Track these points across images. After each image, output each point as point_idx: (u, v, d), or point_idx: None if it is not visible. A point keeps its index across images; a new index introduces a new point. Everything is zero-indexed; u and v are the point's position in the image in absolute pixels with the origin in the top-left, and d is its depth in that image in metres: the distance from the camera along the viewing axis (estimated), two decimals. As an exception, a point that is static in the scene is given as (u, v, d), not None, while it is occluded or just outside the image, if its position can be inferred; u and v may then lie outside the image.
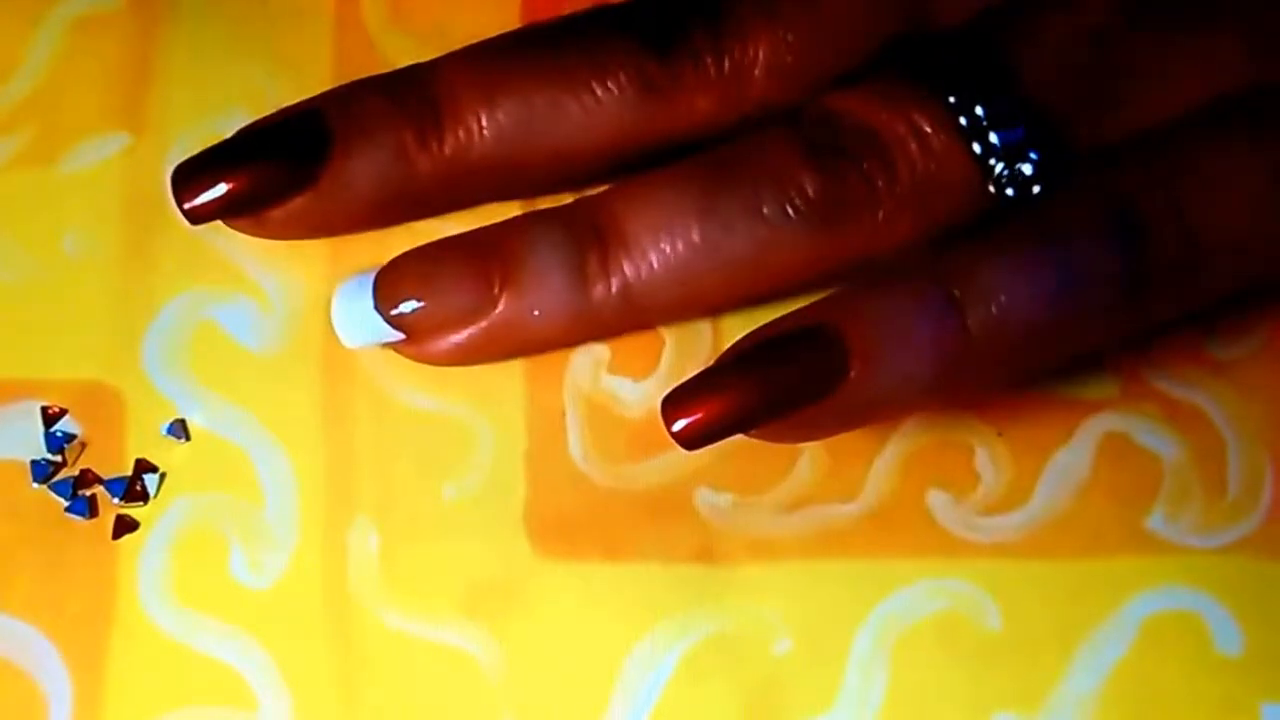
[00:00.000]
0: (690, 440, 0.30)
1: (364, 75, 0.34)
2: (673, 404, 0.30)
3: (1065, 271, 0.30)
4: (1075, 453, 0.34)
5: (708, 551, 0.33)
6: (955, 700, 0.32)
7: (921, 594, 0.33)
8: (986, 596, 0.33)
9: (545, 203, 0.34)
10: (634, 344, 0.34)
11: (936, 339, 0.30)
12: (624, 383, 0.34)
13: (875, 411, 0.31)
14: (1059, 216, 0.31)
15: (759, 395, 0.30)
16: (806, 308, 0.30)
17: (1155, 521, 0.33)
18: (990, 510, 0.33)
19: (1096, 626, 0.32)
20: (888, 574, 0.33)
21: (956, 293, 0.30)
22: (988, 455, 0.34)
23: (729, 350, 0.31)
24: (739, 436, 0.33)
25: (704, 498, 0.33)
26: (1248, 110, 0.32)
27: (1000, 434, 0.34)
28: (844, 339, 0.30)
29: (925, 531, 0.33)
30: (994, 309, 0.30)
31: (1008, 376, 0.32)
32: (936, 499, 0.33)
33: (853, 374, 0.29)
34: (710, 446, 0.32)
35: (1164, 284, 0.31)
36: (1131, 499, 0.33)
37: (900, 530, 0.33)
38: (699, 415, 0.30)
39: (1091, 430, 0.34)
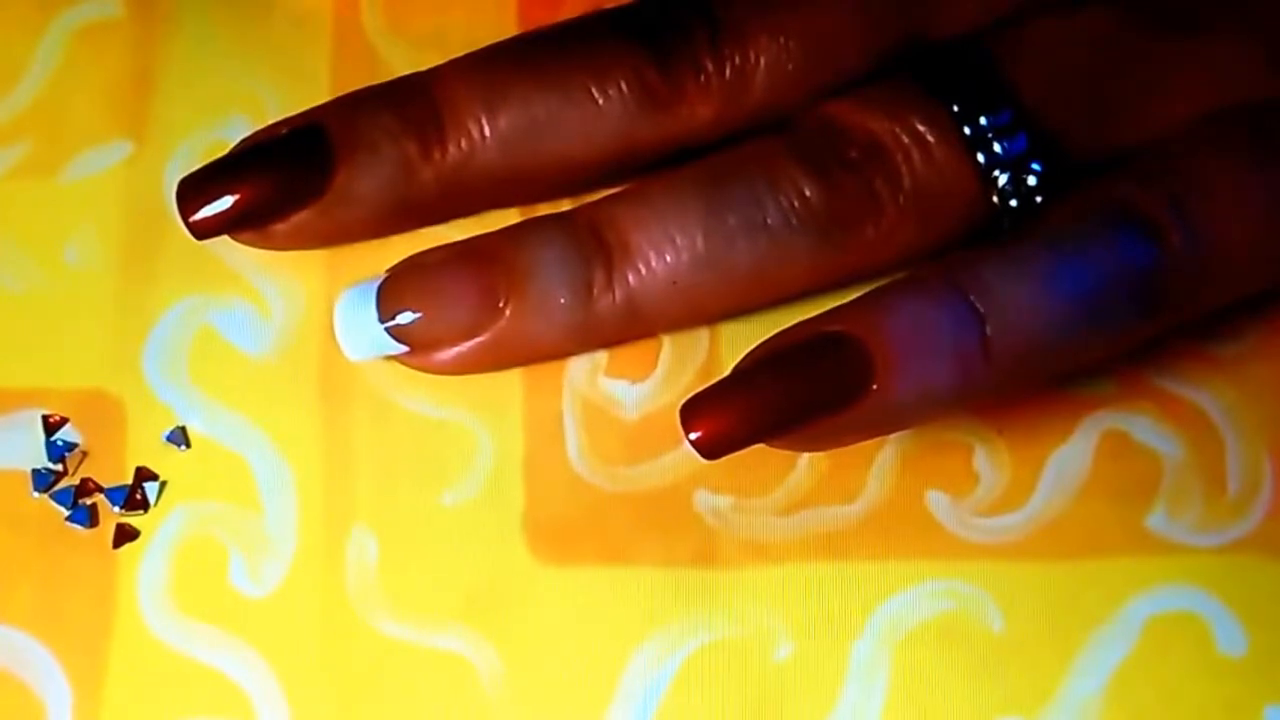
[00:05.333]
0: (709, 449, 0.29)
1: (363, 82, 0.33)
2: (691, 412, 0.29)
3: (1082, 282, 0.29)
4: (1074, 451, 0.32)
5: (707, 555, 0.32)
6: (957, 704, 0.31)
7: (922, 596, 0.31)
8: (988, 598, 0.31)
9: (544, 209, 0.33)
10: (631, 346, 0.33)
11: (959, 351, 0.29)
12: (622, 385, 0.33)
13: (895, 422, 0.30)
14: (1074, 227, 0.30)
15: (781, 405, 0.29)
16: (827, 315, 0.29)
17: (1156, 520, 0.32)
18: (990, 510, 0.32)
19: (1098, 628, 0.31)
20: (888, 576, 0.32)
21: (977, 304, 0.29)
22: (987, 454, 0.32)
23: (748, 357, 0.30)
24: None
25: (703, 500, 0.32)
26: (1252, 121, 0.31)
27: (999, 432, 0.33)
28: (868, 350, 0.29)
29: (925, 533, 0.32)
30: (1014, 320, 0.29)
31: (1024, 386, 0.31)
32: (936, 499, 0.32)
33: (876, 385, 0.28)
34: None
35: (1174, 294, 0.30)
36: (1131, 498, 0.32)
37: (900, 532, 0.32)
38: (719, 424, 0.29)
39: (1090, 428, 0.33)
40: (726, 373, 0.32)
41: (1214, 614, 0.31)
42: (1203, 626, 0.31)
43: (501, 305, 0.31)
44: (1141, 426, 0.32)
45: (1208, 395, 0.33)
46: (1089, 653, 0.31)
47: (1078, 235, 0.29)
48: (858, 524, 0.32)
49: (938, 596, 0.31)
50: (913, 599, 0.31)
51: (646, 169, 0.32)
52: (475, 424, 0.33)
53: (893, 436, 0.32)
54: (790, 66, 0.31)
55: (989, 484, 0.32)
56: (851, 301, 0.30)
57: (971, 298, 0.29)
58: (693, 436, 0.29)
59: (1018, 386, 0.31)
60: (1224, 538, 0.32)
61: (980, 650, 0.31)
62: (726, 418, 0.29)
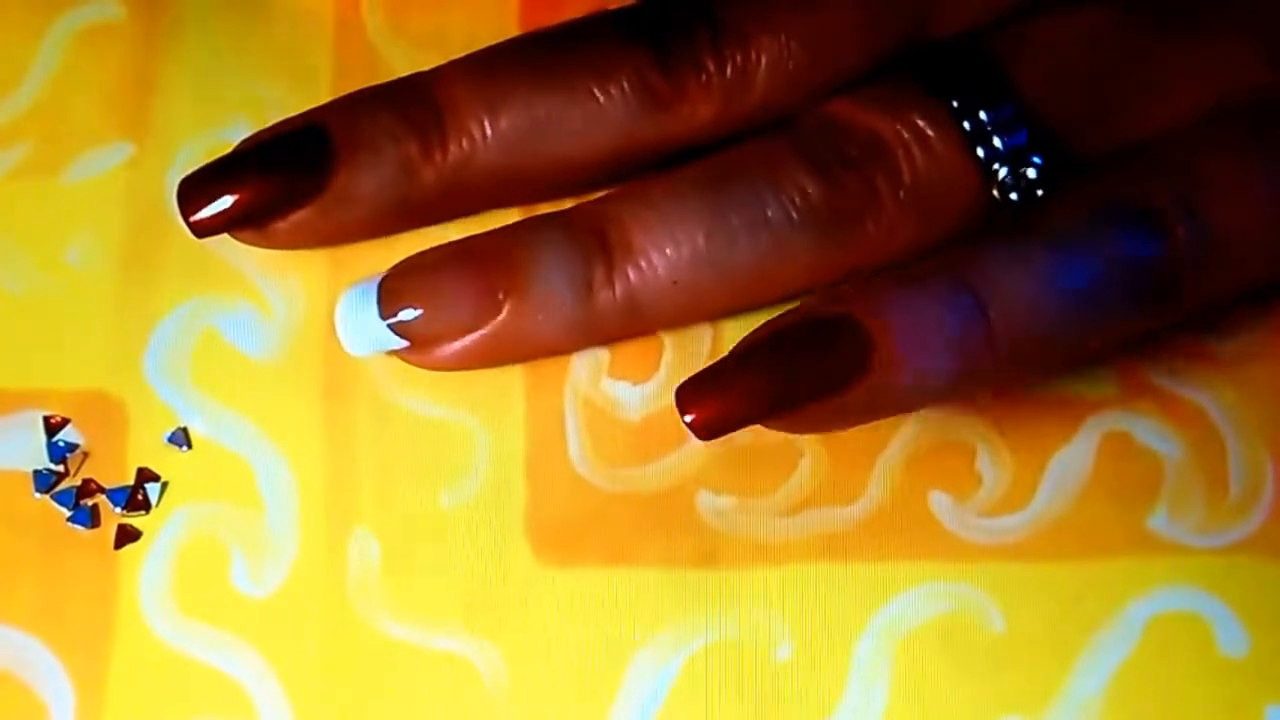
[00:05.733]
0: (705, 431, 0.29)
1: (365, 84, 0.33)
2: (687, 394, 0.29)
3: (1086, 272, 0.29)
4: (1076, 452, 0.32)
5: (710, 556, 0.32)
6: (959, 704, 0.31)
7: (924, 597, 0.31)
8: (989, 599, 0.31)
9: (545, 209, 0.33)
10: (634, 347, 0.33)
11: (960, 337, 0.28)
12: (624, 386, 0.33)
13: (894, 406, 0.30)
14: (1077, 219, 0.29)
15: (778, 386, 0.28)
16: (826, 296, 0.29)
17: (1157, 521, 0.32)
18: (992, 511, 0.32)
19: (1100, 628, 0.31)
20: (890, 577, 0.32)
21: (979, 290, 0.29)
22: (989, 456, 0.32)
23: (747, 338, 0.29)
24: (742, 438, 0.32)
25: (705, 501, 0.32)
26: (1253, 115, 0.31)
27: (1002, 434, 0.32)
28: (867, 332, 0.28)
29: (928, 534, 0.32)
30: (1016, 308, 0.28)
31: (1026, 376, 0.31)
32: (939, 501, 0.32)
33: (874, 369, 0.28)
34: (713, 449, 0.32)
35: (1178, 286, 0.30)
36: (1133, 499, 0.32)
37: (903, 533, 0.32)
38: (715, 406, 0.29)
39: (1092, 429, 0.32)
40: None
41: (1215, 614, 0.31)
42: (1204, 627, 0.31)
43: (501, 300, 0.31)
44: (1143, 428, 0.32)
45: (1209, 396, 0.33)
46: (1090, 653, 0.31)
47: (1082, 227, 0.29)
48: (860, 525, 0.32)
49: (939, 597, 0.31)
50: (914, 600, 0.31)
51: (648, 169, 0.32)
52: (477, 425, 0.32)
53: (895, 436, 0.32)
54: (791, 66, 0.31)
55: (991, 485, 0.32)
56: (851, 284, 0.29)
57: (973, 283, 0.29)
58: (688, 419, 0.28)
59: (1019, 375, 0.30)
60: (1226, 538, 0.32)
61: (982, 651, 0.31)
62: (722, 399, 0.28)
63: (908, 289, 0.29)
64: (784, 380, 0.28)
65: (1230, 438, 0.32)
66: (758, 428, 0.32)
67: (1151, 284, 0.29)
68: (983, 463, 0.32)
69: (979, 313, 0.28)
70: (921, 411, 0.32)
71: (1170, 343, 0.33)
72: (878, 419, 0.31)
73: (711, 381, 0.29)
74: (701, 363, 0.32)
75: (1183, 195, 0.29)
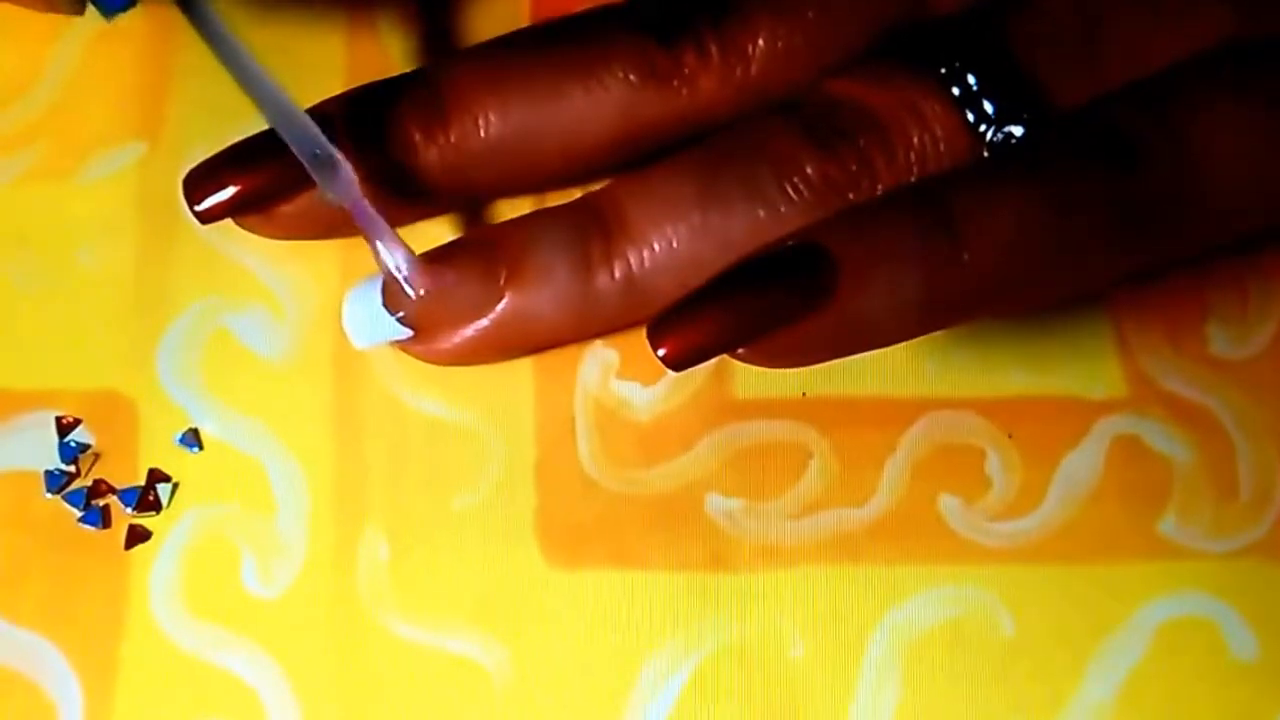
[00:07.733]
0: (677, 363, 0.28)
1: (376, 85, 0.33)
2: (657, 328, 0.28)
3: (1059, 194, 0.28)
4: (1086, 456, 0.32)
5: (719, 558, 0.32)
6: (968, 707, 0.31)
7: (934, 600, 0.31)
8: (999, 602, 0.31)
9: (554, 200, 0.33)
10: (643, 349, 0.32)
11: (926, 257, 0.28)
12: (633, 388, 0.33)
13: (865, 334, 0.29)
14: (1054, 143, 0.29)
15: (745, 312, 0.28)
16: (798, 229, 0.29)
17: (1167, 526, 0.32)
18: (1002, 515, 0.32)
19: (1110, 633, 0.31)
20: (900, 580, 0.31)
21: (947, 210, 0.28)
22: (999, 459, 0.32)
23: (718, 273, 0.28)
24: (750, 440, 0.32)
25: (714, 504, 0.32)
26: (1234, 57, 0.30)
27: (1011, 437, 0.32)
28: (832, 255, 0.28)
29: (937, 537, 0.32)
30: (985, 229, 0.28)
31: (1000, 304, 0.30)
32: (948, 504, 0.32)
33: (841, 291, 0.27)
34: (720, 454, 0.32)
35: (1157, 215, 0.29)
36: (1143, 503, 0.32)
37: (912, 536, 0.32)
38: (683, 337, 0.28)
39: (1102, 433, 0.32)
40: (737, 370, 0.32)
41: (1226, 619, 0.31)
42: (1215, 632, 0.31)
43: (502, 284, 0.31)
44: (1153, 431, 0.32)
45: (1218, 400, 0.33)
46: (1101, 657, 0.31)
47: (1057, 152, 0.29)
48: (869, 528, 0.32)
49: (949, 600, 0.31)
50: (924, 603, 0.31)
51: (654, 158, 0.32)
52: (487, 427, 0.32)
53: (904, 439, 0.32)
54: (791, 46, 0.31)
55: (1001, 488, 0.32)
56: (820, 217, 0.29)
57: (942, 205, 0.28)
58: (660, 353, 0.28)
59: (992, 301, 0.29)
60: (1236, 543, 0.32)
61: (992, 655, 0.31)
62: (689, 330, 0.28)
63: (874, 213, 0.28)
64: (750, 306, 0.28)
65: (1240, 441, 0.32)
66: (765, 428, 0.32)
67: (1127, 212, 0.29)
68: (992, 466, 0.32)
69: (947, 232, 0.28)
70: (931, 414, 0.32)
71: (1178, 346, 0.33)
72: (854, 350, 0.29)
73: (678, 314, 0.28)
74: (710, 363, 0.32)
75: (1162, 127, 0.29)
